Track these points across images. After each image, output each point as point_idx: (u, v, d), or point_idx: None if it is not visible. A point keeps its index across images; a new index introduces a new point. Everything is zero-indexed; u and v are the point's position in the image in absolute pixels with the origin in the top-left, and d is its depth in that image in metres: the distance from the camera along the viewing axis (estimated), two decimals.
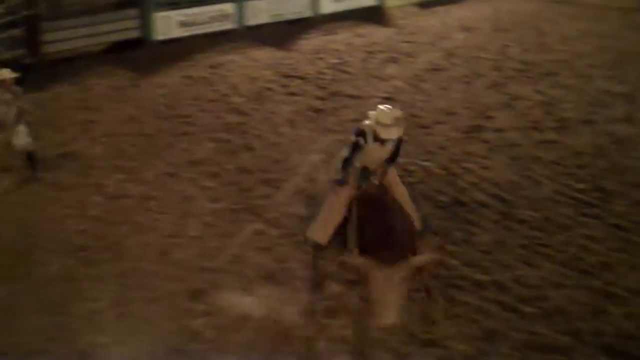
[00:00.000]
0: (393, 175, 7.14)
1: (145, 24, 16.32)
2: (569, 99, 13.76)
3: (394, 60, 16.12)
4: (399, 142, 6.94)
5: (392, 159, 7.05)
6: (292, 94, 14.08)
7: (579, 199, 10.06)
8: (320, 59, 16.11)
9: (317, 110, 13.26)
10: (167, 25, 16.59)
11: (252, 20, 17.84)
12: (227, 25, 17.46)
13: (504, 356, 7.21)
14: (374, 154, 6.92)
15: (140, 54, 16.00)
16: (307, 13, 18.81)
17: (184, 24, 16.80)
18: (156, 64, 15.51)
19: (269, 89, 14.33)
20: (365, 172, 7.02)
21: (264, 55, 16.31)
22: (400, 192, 7.09)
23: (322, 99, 13.82)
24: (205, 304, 7.95)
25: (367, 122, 6.83)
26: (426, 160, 11.22)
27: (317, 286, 7.85)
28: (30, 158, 10.51)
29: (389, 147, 6.87)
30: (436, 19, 19.99)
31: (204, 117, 13.00)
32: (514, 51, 16.80)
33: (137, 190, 10.38)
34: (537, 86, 14.49)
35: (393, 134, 6.70)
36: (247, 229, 9.42)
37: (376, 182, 6.99)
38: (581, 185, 10.40)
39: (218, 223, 9.60)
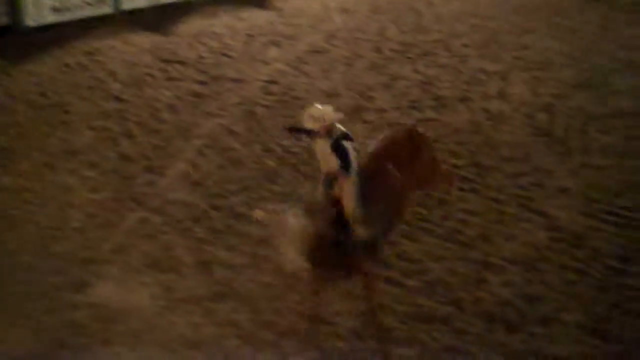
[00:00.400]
0: (346, 186, 6.86)
1: (15, 9, 15.59)
2: (445, 78, 14.15)
3: (275, 44, 16.10)
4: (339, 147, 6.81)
5: (343, 166, 6.84)
6: (173, 79, 13.84)
7: (457, 174, 10.39)
8: (201, 43, 15.89)
9: (199, 95, 13.10)
10: (39, 10, 15.88)
11: (128, 4, 17.32)
12: (103, 10, 16.86)
13: (391, 328, 7.42)
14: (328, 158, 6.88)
15: (10, 41, 15.29)
16: None
17: (56, 9, 16.12)
18: (29, 52, 14.86)
19: (149, 74, 14.03)
20: (329, 178, 6.90)
21: (143, 40, 15.94)
22: (346, 205, 6.84)
23: (203, 83, 13.67)
24: (89, 295, 7.76)
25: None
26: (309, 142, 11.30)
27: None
28: None
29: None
30: (316, 1, 20.02)
31: (82, 105, 12.62)
32: (392, 32, 17.10)
33: (12, 183, 9.99)
34: (415, 66, 14.82)
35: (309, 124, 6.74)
36: (131, 218, 9.25)
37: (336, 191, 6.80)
38: (459, 161, 10.76)
39: (100, 213, 9.39)
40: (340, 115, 7.12)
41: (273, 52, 15.56)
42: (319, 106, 7.06)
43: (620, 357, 7.02)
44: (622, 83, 13.85)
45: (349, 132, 7.07)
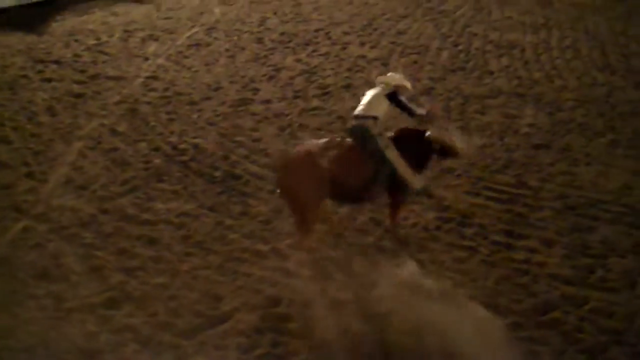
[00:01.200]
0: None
1: None
2: (328, 67, 14.30)
3: (154, 38, 15.79)
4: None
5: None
6: (49, 79, 13.31)
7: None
8: (76, 41, 15.38)
9: (78, 95, 12.66)
10: None
11: None
12: None
13: (288, 319, 7.46)
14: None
15: None
16: None
17: None
18: None
19: (23, 76, 13.44)
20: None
21: (14, 40, 15.26)
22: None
23: (82, 83, 13.22)
24: None
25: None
26: (196, 137, 11.17)
27: None
28: None
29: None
30: None
31: None
32: (272, 23, 17.12)
33: None
34: (298, 56, 14.89)
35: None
36: (14, 228, 8.85)
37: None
38: None
39: None
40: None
41: (152, 47, 15.26)
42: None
43: (511, 328, 7.31)
44: (496, 63, 14.41)
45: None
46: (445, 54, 15.03)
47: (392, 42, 15.75)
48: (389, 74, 8.86)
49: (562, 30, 16.57)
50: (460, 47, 15.46)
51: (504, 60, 14.67)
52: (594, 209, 9.31)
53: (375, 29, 16.71)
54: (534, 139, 11.21)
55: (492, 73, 13.91)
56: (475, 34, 16.31)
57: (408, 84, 8.64)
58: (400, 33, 16.41)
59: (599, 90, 13.19)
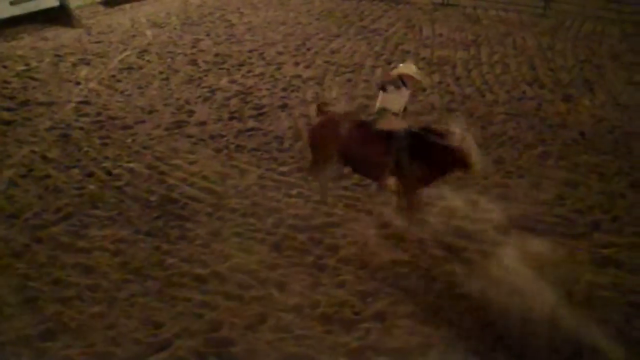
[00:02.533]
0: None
1: None
2: (263, 87, 14.30)
3: (85, 62, 15.54)
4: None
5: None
6: None
7: (283, 181, 10.52)
8: (5, 67, 15.02)
9: (8, 123, 12.34)
10: None
11: None
12: None
13: (230, 343, 7.38)
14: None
15: None
16: None
17: None
18: None
19: None
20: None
21: None
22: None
23: (11, 109, 12.89)
24: None
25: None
26: (131, 162, 11.01)
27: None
28: None
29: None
30: (125, 17, 19.63)
31: None
32: (206, 44, 17.06)
33: None
34: (233, 77, 14.86)
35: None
36: None
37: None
38: (284, 168, 10.89)
39: None
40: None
41: (84, 71, 15.01)
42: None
43: (453, 341, 7.38)
44: (429, 80, 14.63)
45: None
46: (378, 72, 15.20)
47: (327, 61, 15.86)
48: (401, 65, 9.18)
49: (491, 46, 16.97)
50: (393, 65, 15.64)
51: (436, 77, 14.92)
52: (527, 221, 9.50)
53: (309, 49, 16.80)
54: None
55: (425, 90, 14.12)
56: (408, 52, 16.55)
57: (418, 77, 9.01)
58: (334, 52, 16.54)
59: (528, 104, 13.53)
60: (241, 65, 15.61)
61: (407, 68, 8.87)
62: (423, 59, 16.04)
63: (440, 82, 14.58)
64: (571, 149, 11.63)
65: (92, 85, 14.24)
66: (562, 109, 13.31)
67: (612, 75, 15.19)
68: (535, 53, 16.47)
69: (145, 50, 16.49)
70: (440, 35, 17.99)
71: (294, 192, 10.22)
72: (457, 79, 14.77)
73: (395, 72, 8.91)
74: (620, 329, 7.55)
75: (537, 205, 9.88)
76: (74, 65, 15.38)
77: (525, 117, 12.87)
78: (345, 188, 10.32)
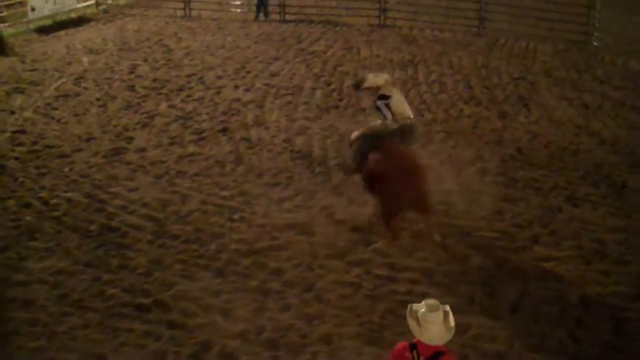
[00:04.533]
0: None
1: None
2: (203, 111, 14.22)
3: (20, 91, 15.26)
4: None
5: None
6: None
7: (225, 205, 10.44)
8: None
9: None
10: None
11: None
12: None
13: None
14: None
15: None
16: None
17: None
18: None
19: None
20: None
21: None
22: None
23: None
24: None
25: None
26: (69, 191, 10.80)
27: None
28: None
29: None
30: (60, 43, 19.37)
31: None
32: (143, 69, 16.92)
33: None
34: (172, 102, 14.76)
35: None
36: None
37: None
38: (226, 193, 10.82)
39: None
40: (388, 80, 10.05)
41: (18, 100, 14.74)
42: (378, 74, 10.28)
43: None
44: (368, 101, 14.73)
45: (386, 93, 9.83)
46: (318, 94, 15.29)
47: (266, 84, 15.89)
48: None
49: (428, 65, 17.25)
50: (332, 86, 15.78)
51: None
52: (468, 237, 9.62)
53: (249, 72, 16.81)
54: None
55: (365, 110, 14.24)
56: (347, 73, 16.70)
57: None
58: (273, 75, 16.58)
59: (465, 122, 13.77)
60: (180, 90, 15.53)
61: (382, 78, 9.99)
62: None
63: None
64: (508, 165, 11.86)
65: (27, 114, 13.98)
66: (498, 126, 13.59)
67: (545, 92, 15.60)
68: (471, 71, 16.80)
69: (81, 77, 16.27)
70: (378, 56, 18.23)
71: (236, 216, 10.15)
72: None
73: (375, 82, 9.95)
74: (564, 344, 7.65)
75: (477, 221, 10.02)
76: (8, 94, 15.09)
77: (463, 135, 13.09)
78: (288, 210, 10.30)
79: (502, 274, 8.81)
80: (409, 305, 5.16)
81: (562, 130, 13.47)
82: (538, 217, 10.23)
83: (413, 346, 5.05)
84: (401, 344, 5.16)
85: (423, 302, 5.09)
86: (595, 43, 19.22)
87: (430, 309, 5.00)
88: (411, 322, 5.05)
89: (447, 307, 5.08)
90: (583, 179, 11.43)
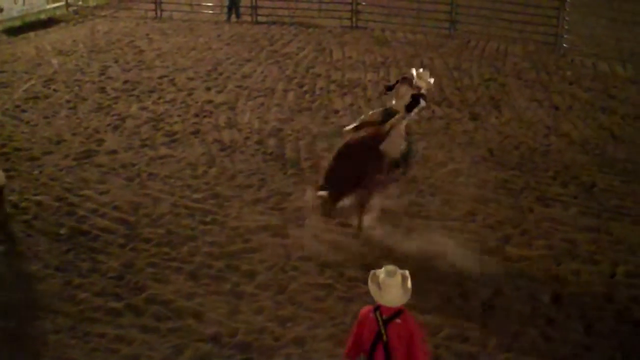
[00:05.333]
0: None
1: None
2: (175, 113, 14.14)
3: None
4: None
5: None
6: None
7: (197, 208, 10.38)
8: None
9: None
10: None
11: None
12: None
13: None
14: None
15: None
16: None
17: None
18: None
19: None
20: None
21: None
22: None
23: None
24: None
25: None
26: (38, 194, 10.67)
27: None
28: None
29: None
30: (29, 45, 19.15)
31: None
32: (114, 71, 16.78)
33: None
34: (143, 104, 14.65)
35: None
36: None
37: None
38: (198, 195, 10.76)
39: None
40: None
41: None
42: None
43: None
44: (341, 102, 14.79)
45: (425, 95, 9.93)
46: (291, 95, 15.27)
47: (238, 86, 15.84)
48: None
49: (399, 67, 17.29)
50: (305, 88, 15.77)
51: (348, 99, 15.09)
52: (441, 238, 9.65)
53: (221, 74, 16.74)
54: None
55: (337, 112, 14.26)
56: (319, 75, 16.70)
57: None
58: (245, 76, 16.53)
59: (438, 123, 13.83)
60: (151, 91, 15.42)
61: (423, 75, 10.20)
62: (334, 81, 16.21)
63: (352, 104, 14.75)
64: (480, 166, 11.93)
65: None
66: (470, 127, 13.67)
67: (516, 93, 15.73)
68: (443, 73, 16.88)
69: (51, 79, 16.10)
70: (350, 57, 18.24)
71: (209, 219, 10.09)
72: (369, 100, 14.98)
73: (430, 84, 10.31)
74: (536, 343, 7.71)
75: (449, 222, 10.07)
76: None
77: (435, 136, 13.15)
78: (261, 213, 10.27)
79: (474, 274, 8.85)
80: (371, 271, 5.61)
81: (532, 131, 13.58)
82: (509, 217, 10.30)
83: (376, 308, 5.55)
84: (366, 308, 5.69)
85: (383, 268, 5.56)
86: (565, 45, 19.42)
87: (389, 274, 5.48)
88: (372, 287, 5.52)
89: (406, 272, 5.59)
90: (553, 179, 11.55)
